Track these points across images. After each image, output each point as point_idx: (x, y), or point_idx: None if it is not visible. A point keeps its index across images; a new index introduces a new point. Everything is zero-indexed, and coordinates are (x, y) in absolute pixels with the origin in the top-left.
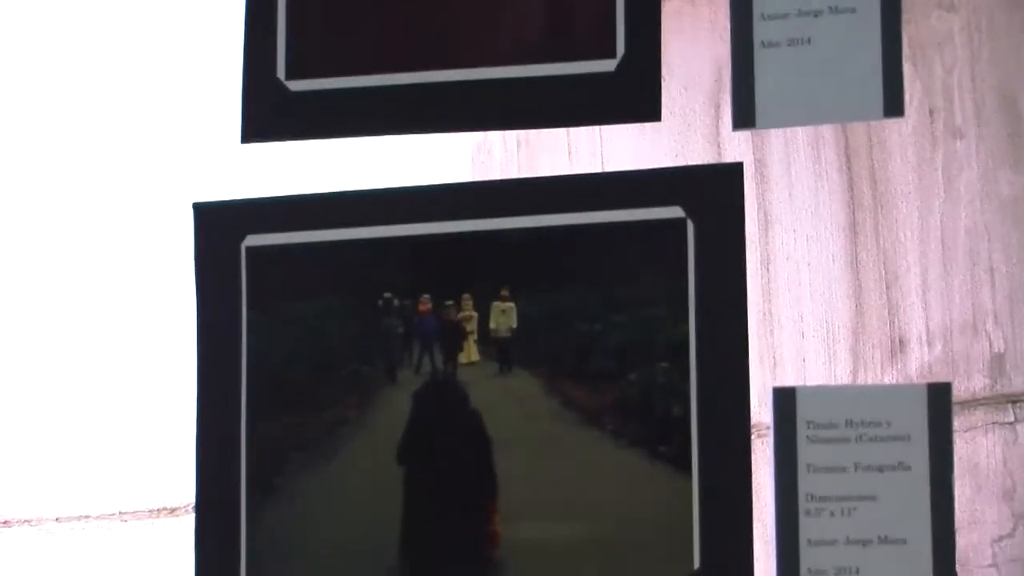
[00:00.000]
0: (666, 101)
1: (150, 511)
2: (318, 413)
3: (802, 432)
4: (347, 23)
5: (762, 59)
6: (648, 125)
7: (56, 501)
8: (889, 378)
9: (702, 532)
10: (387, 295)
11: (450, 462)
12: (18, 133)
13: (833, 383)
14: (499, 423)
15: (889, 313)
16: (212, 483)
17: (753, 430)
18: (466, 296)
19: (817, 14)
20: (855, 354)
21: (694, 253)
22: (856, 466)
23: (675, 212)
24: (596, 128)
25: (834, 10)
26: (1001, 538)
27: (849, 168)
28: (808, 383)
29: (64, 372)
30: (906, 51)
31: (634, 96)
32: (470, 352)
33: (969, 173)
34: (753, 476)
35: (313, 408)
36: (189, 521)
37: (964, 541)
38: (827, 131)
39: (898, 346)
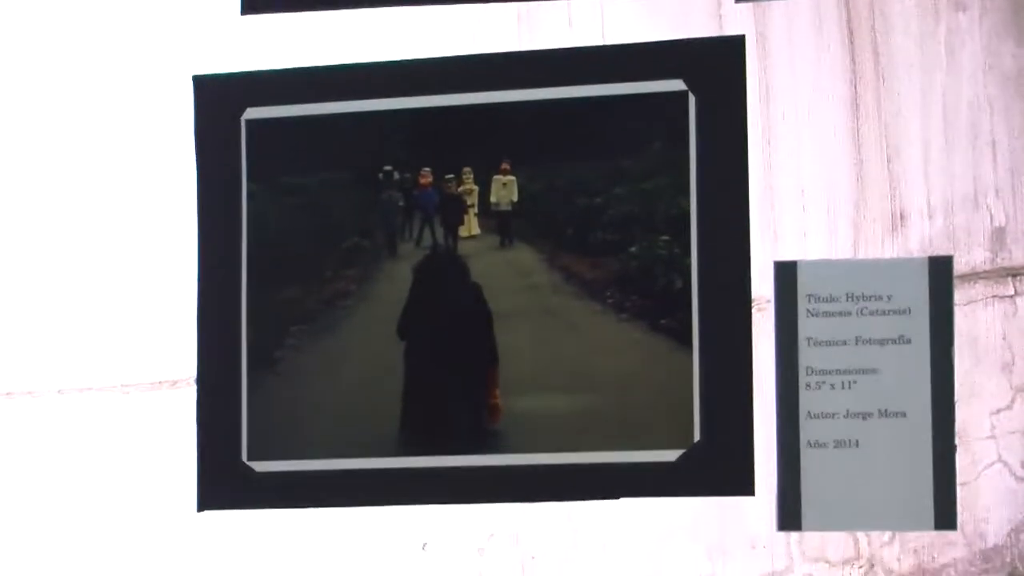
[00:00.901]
0: None
1: (151, 384)
2: (318, 286)
3: (803, 306)
4: None
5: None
6: None
7: (58, 373)
8: (890, 252)
9: (702, 405)
10: (387, 168)
11: (450, 335)
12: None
13: (834, 257)
14: (500, 296)
15: (890, 187)
16: (213, 356)
17: (753, 303)
18: (467, 169)
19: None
20: (856, 228)
21: (695, 126)
22: (856, 339)
23: (677, 85)
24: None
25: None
26: (999, 410)
27: (851, 41)
28: (809, 257)
29: (66, 244)
30: None
31: None
32: (471, 225)
33: (972, 46)
34: (753, 349)
35: (313, 281)
36: (190, 394)
37: (963, 413)
38: (829, 4)
39: (899, 220)
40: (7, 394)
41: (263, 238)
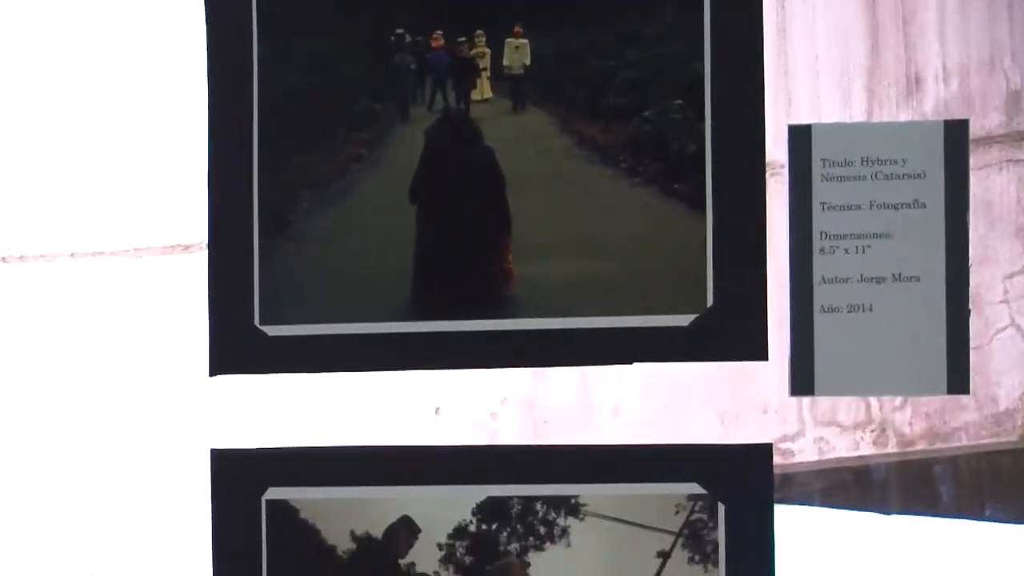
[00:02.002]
0: None
1: (164, 248)
2: (330, 151)
3: (817, 170)
4: None
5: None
6: None
7: (71, 237)
8: (905, 116)
9: (715, 270)
10: (399, 31)
11: (463, 199)
12: None
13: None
14: (512, 160)
15: (905, 51)
16: (225, 220)
17: (767, 168)
18: (479, 32)
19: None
20: (870, 93)
21: None
22: (871, 204)
23: None
24: None
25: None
26: (1012, 275)
27: None
28: (823, 122)
29: (79, 110)
30: None
31: None
32: (483, 89)
33: None
34: (767, 214)
35: (325, 145)
36: (202, 258)
37: (976, 278)
38: None
39: (914, 84)
40: (20, 258)
41: (274, 102)
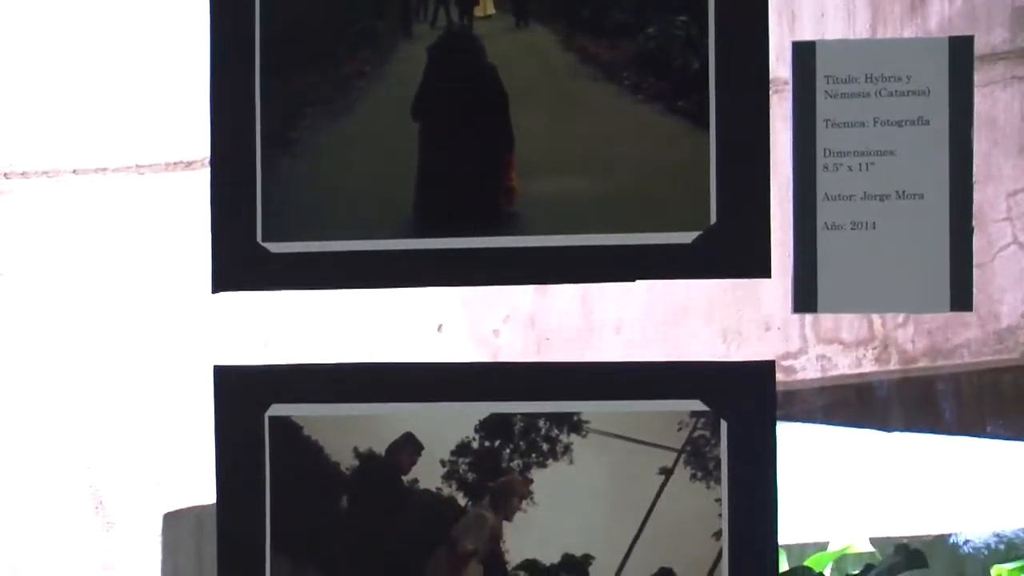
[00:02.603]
0: None
1: (167, 164)
2: (333, 68)
3: (821, 87)
4: None
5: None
6: None
7: (74, 153)
8: (909, 33)
9: (719, 187)
10: None
11: (466, 116)
12: None
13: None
14: (515, 77)
15: None
16: (227, 137)
17: (771, 85)
18: None
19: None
20: (874, 8)
21: None
22: (875, 120)
23: None
24: None
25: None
26: (1016, 192)
27: None
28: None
29: (80, 25)
30: None
31: None
32: (486, 5)
33: None
34: (770, 131)
35: (327, 63)
36: (205, 175)
37: (980, 195)
38: None
39: (918, 0)
40: (22, 174)
41: (276, 19)
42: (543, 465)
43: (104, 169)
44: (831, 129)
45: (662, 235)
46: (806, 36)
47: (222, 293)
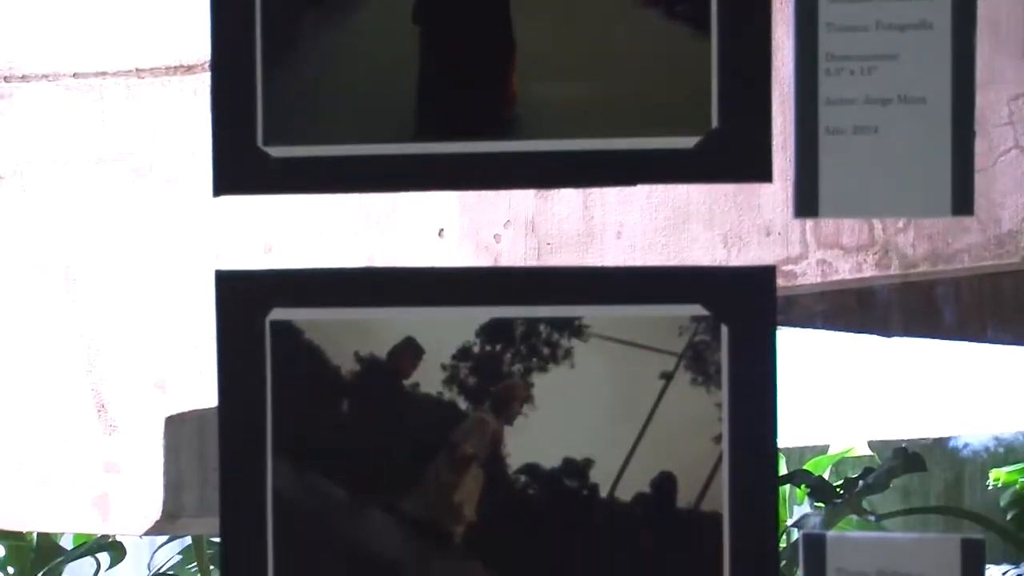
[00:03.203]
0: None
1: (167, 68)
2: None
3: None
4: None
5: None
6: None
7: (73, 57)
8: None
9: (720, 91)
10: None
11: (467, 20)
12: None
13: None
14: None
15: None
16: (227, 40)
17: None
18: None
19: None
20: None
21: None
22: (877, 24)
23: None
24: None
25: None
26: (1018, 96)
27: None
28: None
29: None
30: None
31: None
32: None
33: None
34: (772, 35)
35: None
36: (205, 79)
37: (982, 99)
38: None
39: None
40: (22, 77)
41: None
42: (544, 369)
43: (104, 73)
44: (833, 33)
45: (663, 140)
46: None
47: (223, 197)
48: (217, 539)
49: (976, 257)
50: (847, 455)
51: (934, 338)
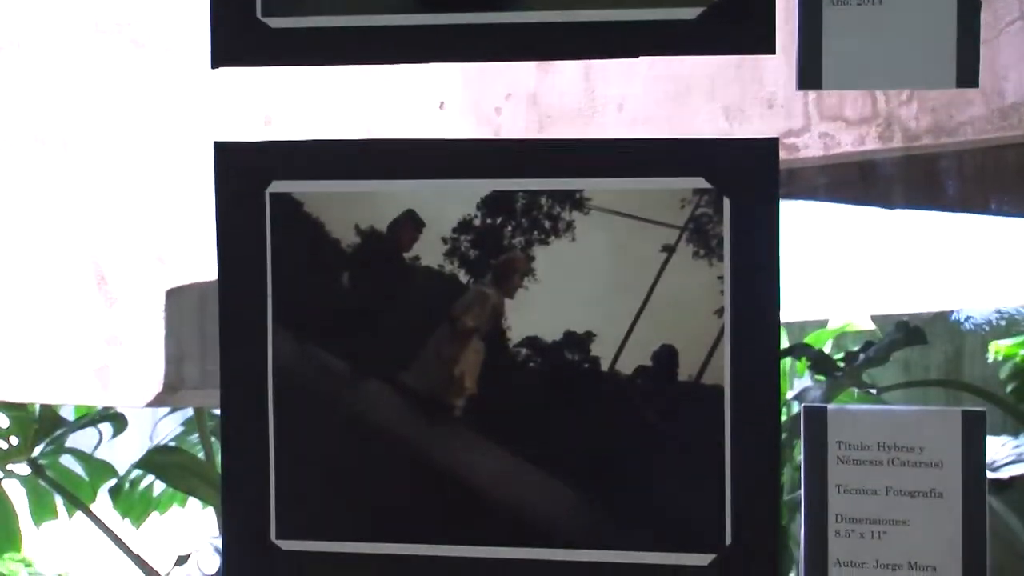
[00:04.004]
0: None
1: None
2: None
3: None
4: None
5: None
6: None
7: None
8: None
9: None
10: None
11: None
12: None
13: None
14: None
15: None
16: None
17: None
18: None
19: None
20: None
21: None
22: None
23: None
24: None
25: None
26: None
27: None
28: None
29: None
30: None
31: None
32: None
33: None
34: None
35: None
36: None
37: None
38: None
39: None
40: None
41: None
42: (545, 242)
43: None
44: None
45: (666, 10)
46: None
47: (221, 68)
48: (218, 411)
49: (979, 130)
50: (848, 329)
51: (937, 211)
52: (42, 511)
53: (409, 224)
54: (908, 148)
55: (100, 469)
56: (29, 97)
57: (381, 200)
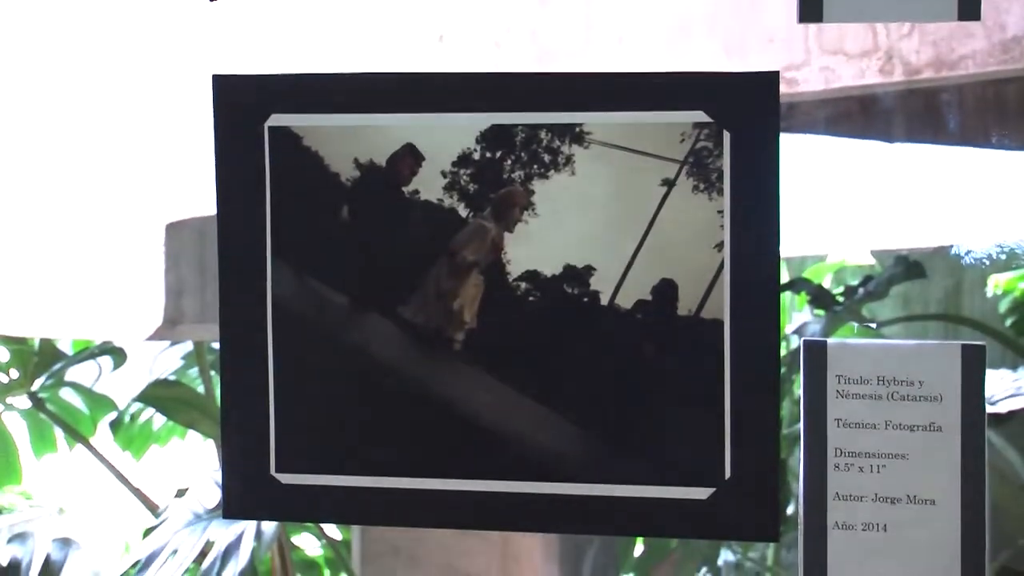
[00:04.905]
0: None
1: None
2: None
3: None
4: None
5: None
6: None
7: None
8: None
9: None
10: None
11: None
12: None
13: None
14: None
15: None
16: None
17: None
18: None
19: None
20: None
21: None
22: None
23: None
24: None
25: None
26: None
27: None
28: None
29: None
30: None
31: None
32: None
33: None
34: None
35: None
36: None
37: None
38: None
39: None
40: None
41: None
42: (545, 176)
43: None
44: None
45: None
46: None
47: (219, 0)
48: (218, 345)
49: (980, 63)
50: (847, 263)
51: (937, 145)
52: (42, 444)
53: (408, 158)
54: (909, 82)
55: (100, 402)
56: (28, 29)
57: (380, 134)
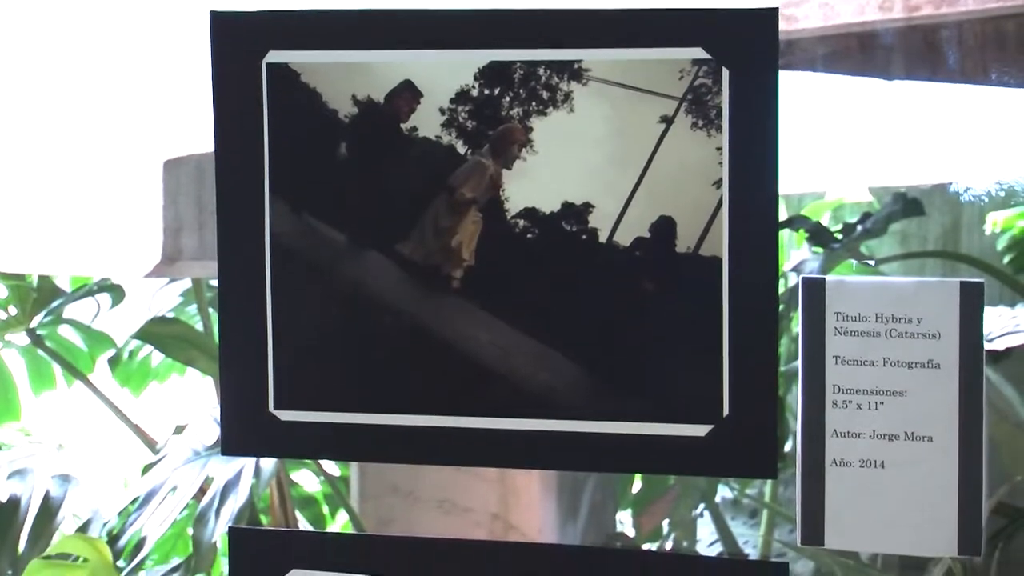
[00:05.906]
0: None
1: None
2: None
3: None
4: None
5: None
6: None
7: None
8: None
9: None
10: None
11: None
12: None
13: None
14: None
15: None
16: None
17: None
18: None
19: None
20: None
21: None
22: None
23: None
24: None
25: None
26: None
27: None
28: None
29: None
30: None
31: None
32: None
33: None
34: None
35: None
36: None
37: None
38: None
39: None
40: None
41: None
42: (543, 113)
43: None
44: None
45: None
46: None
47: None
48: (216, 282)
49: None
50: (846, 201)
51: (936, 82)
52: (41, 381)
53: (407, 95)
54: (908, 18)
55: (99, 339)
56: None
57: (379, 70)
